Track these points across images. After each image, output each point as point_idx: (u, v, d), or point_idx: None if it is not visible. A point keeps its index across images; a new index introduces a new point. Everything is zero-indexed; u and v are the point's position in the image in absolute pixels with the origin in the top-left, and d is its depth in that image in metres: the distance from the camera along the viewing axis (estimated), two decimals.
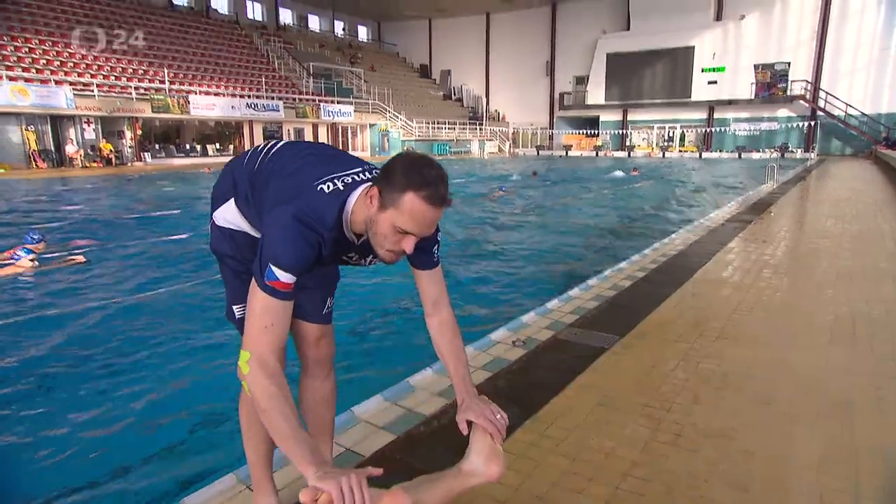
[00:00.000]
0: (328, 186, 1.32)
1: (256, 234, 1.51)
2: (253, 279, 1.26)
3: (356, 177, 1.37)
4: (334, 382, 1.77)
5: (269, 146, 1.52)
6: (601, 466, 1.91)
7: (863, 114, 29.35)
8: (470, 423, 1.41)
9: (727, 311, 3.64)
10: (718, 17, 32.60)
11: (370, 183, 1.33)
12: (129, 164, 22.26)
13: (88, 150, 21.48)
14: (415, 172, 1.21)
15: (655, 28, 33.75)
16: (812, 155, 28.22)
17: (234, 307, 1.56)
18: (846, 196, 10.70)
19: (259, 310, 1.24)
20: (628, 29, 35.33)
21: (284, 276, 1.23)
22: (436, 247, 1.51)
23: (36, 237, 6.07)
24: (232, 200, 1.51)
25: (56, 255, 6.32)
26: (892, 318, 3.45)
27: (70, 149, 20.82)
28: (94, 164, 20.96)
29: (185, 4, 33.06)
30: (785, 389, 2.52)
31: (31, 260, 5.62)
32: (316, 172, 1.36)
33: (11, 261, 5.61)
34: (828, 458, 1.96)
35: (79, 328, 4.08)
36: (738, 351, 2.97)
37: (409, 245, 1.28)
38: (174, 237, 7.65)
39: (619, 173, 19.44)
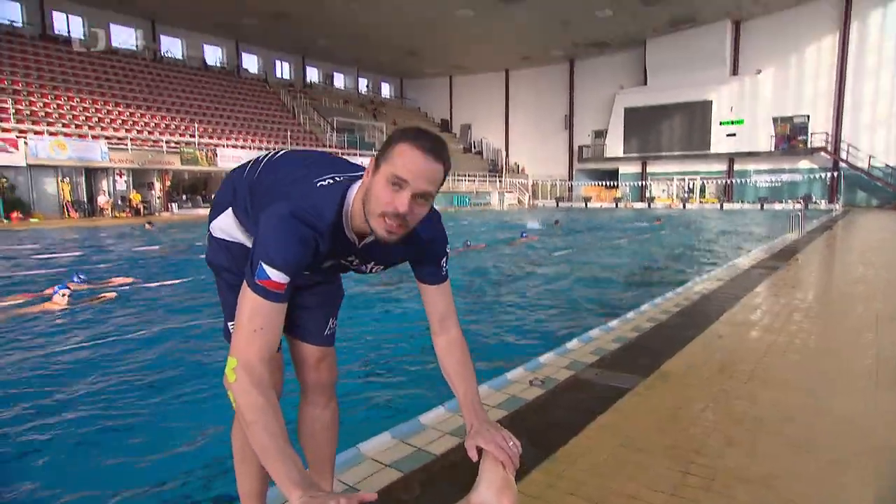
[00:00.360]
0: (327, 181, 1.25)
1: (251, 246, 1.44)
2: (244, 282, 1.18)
3: (356, 173, 1.31)
4: (336, 410, 1.66)
5: (270, 155, 1.47)
6: None
7: (887, 165, 29.03)
8: (480, 450, 1.28)
9: (757, 354, 3.44)
10: (735, 72, 33.05)
11: None
12: (157, 214, 22.85)
13: (118, 201, 22.18)
14: (409, 131, 1.17)
15: (672, 83, 34.30)
16: (837, 206, 27.78)
17: (230, 324, 1.47)
18: (876, 245, 10.40)
19: (248, 312, 1.14)
20: (645, 84, 35.98)
21: (277, 276, 1.13)
22: (444, 259, 1.42)
23: (82, 277, 6.68)
24: (230, 209, 1.45)
25: (92, 290, 6.55)
26: None
27: (101, 199, 21.52)
28: (123, 214, 21.58)
29: (218, 65, 34.77)
30: (827, 434, 2.32)
31: (64, 296, 5.80)
32: (317, 173, 1.30)
33: (47, 297, 5.95)
34: None
35: (102, 359, 4.07)
36: (771, 394, 2.77)
37: (402, 200, 1.14)
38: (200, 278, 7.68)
39: (643, 223, 19.47)
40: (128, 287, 7.04)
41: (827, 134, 30.60)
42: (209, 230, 1.50)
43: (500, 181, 39.52)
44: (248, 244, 1.45)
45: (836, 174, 30.15)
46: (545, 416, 2.50)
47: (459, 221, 21.15)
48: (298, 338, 1.57)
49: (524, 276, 8.38)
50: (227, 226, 1.46)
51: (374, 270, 1.42)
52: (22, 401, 3.37)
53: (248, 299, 1.15)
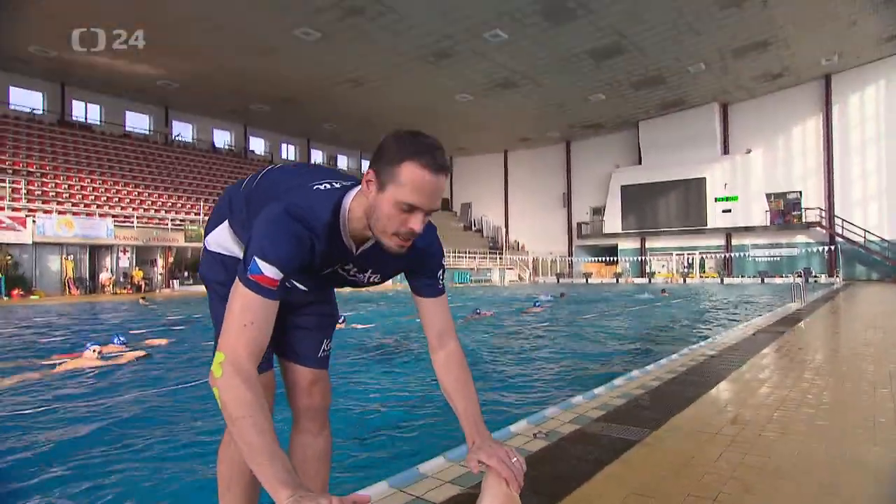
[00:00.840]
0: (324, 186, 1.25)
1: None
2: (236, 278, 1.15)
3: (353, 181, 1.31)
4: (329, 439, 1.58)
5: (266, 168, 1.48)
6: None
7: (882, 239, 29.34)
8: (482, 469, 1.20)
9: (770, 408, 3.31)
10: (726, 151, 34.19)
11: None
12: (158, 291, 22.86)
13: (120, 278, 22.26)
14: (408, 142, 1.13)
15: (666, 161, 35.41)
16: (837, 279, 27.79)
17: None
18: (880, 312, 10.29)
19: (239, 307, 1.10)
20: (640, 162, 37.12)
21: (269, 271, 1.11)
22: (441, 272, 1.40)
23: (122, 339, 7.15)
24: (226, 223, 1.45)
25: (124, 350, 6.79)
26: None
27: (103, 276, 21.62)
28: (124, 291, 21.58)
29: (226, 147, 36.10)
30: (854, 480, 2.18)
31: (94, 351, 6.08)
32: (313, 178, 1.30)
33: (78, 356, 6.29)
34: None
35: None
36: (788, 444, 2.64)
37: (417, 223, 1.15)
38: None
39: (648, 295, 19.70)
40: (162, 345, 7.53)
41: (820, 209, 31.18)
42: (204, 244, 1.50)
43: (500, 258, 39.84)
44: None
45: (833, 248, 30.42)
46: (549, 466, 2.37)
47: (468, 296, 21.10)
48: (291, 360, 1.52)
49: (535, 340, 8.24)
50: (222, 239, 1.45)
51: (371, 280, 1.39)
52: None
53: (240, 294, 1.12)
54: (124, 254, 22.72)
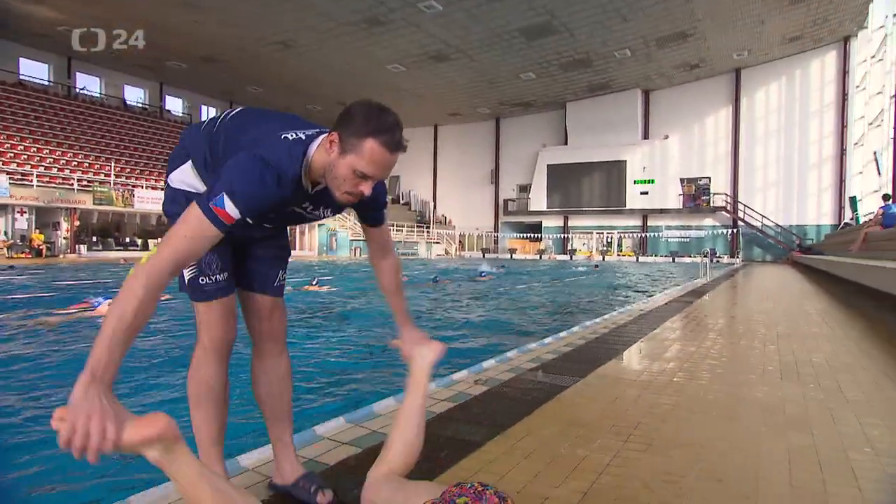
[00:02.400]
0: (291, 135, 1.35)
1: None
2: (193, 201, 1.23)
3: (317, 131, 1.41)
4: (289, 362, 1.72)
5: (226, 112, 1.54)
6: (575, 468, 1.85)
7: (777, 224, 32.21)
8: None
9: (680, 360, 3.72)
10: (646, 136, 36.00)
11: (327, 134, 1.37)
12: (62, 256, 21.25)
13: (18, 241, 20.49)
14: (374, 118, 1.28)
15: (590, 143, 36.80)
16: (737, 260, 30.34)
17: (185, 271, 1.51)
18: (772, 287, 11.45)
19: (188, 223, 1.19)
20: (566, 143, 38.34)
21: (231, 210, 1.20)
22: (384, 209, 1.61)
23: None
24: (188, 163, 1.50)
25: None
26: (832, 365, 3.62)
27: None
28: (22, 255, 19.88)
29: (139, 105, 33.69)
30: (748, 411, 2.56)
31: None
32: (281, 127, 1.39)
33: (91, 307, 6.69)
34: (795, 456, 1.97)
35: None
36: (696, 385, 3.01)
37: (367, 188, 1.32)
38: None
39: (582, 268, 22.51)
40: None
41: (726, 195, 33.68)
42: (167, 182, 1.55)
43: (427, 232, 40.10)
44: None
45: (735, 231, 33.06)
46: (492, 405, 2.59)
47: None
48: (251, 289, 1.63)
49: (473, 307, 8.53)
50: (186, 177, 1.51)
51: (326, 215, 1.54)
52: None
53: (193, 214, 1.20)
54: (21, 214, 20.88)
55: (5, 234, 20.24)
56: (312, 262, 22.73)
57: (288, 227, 1.72)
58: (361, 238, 28.23)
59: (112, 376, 1.03)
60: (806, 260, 20.37)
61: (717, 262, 30.41)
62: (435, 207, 45.09)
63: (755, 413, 2.53)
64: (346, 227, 33.10)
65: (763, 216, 32.49)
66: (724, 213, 33.63)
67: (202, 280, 1.50)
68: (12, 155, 22.29)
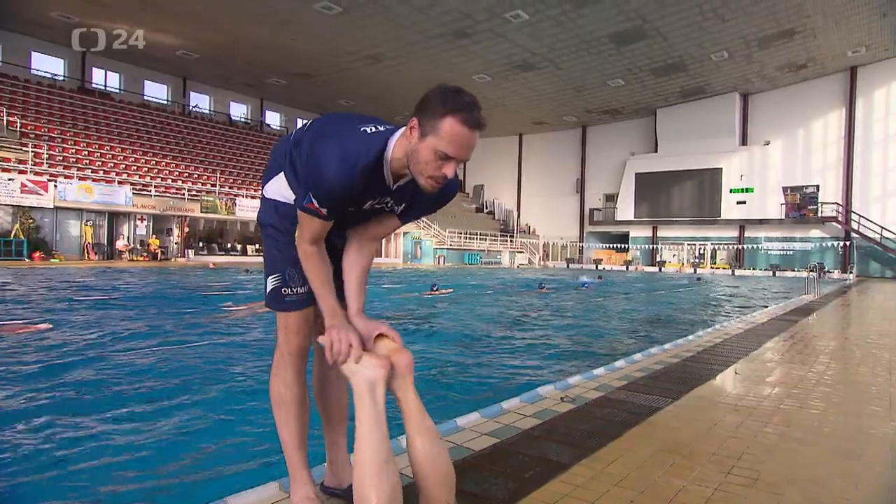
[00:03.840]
0: (371, 129, 1.39)
1: None
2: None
3: (395, 126, 1.45)
4: None
5: (312, 120, 1.58)
6: (672, 500, 1.73)
7: None
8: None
9: (788, 385, 3.42)
10: (744, 142, 33.78)
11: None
12: (174, 260, 23.17)
13: (137, 245, 22.59)
14: (450, 99, 1.28)
15: (682, 150, 35.06)
16: (850, 276, 27.62)
17: (269, 277, 1.59)
18: (893, 306, 10.31)
19: (304, 221, 1.42)
20: (656, 150, 36.78)
21: (318, 203, 1.36)
22: (438, 208, 1.61)
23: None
24: (282, 174, 1.57)
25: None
26: None
27: (120, 243, 21.93)
28: (141, 258, 21.90)
29: (243, 120, 36.18)
30: (873, 448, 2.30)
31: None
32: (360, 123, 1.43)
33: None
34: None
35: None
36: (809, 413, 2.75)
37: (450, 170, 1.33)
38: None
39: (683, 280, 21.81)
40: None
41: (837, 204, 30.84)
42: (263, 192, 1.64)
43: (511, 241, 39.86)
44: None
45: (848, 244, 30.16)
46: (581, 424, 2.50)
47: (492, 278, 21.22)
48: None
49: (564, 317, 8.39)
50: (280, 187, 1.58)
51: (406, 216, 1.57)
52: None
53: (301, 215, 1.43)
54: (142, 222, 23.01)
55: (127, 239, 22.38)
56: (397, 269, 23.25)
57: None
58: (445, 247, 28.56)
59: (340, 309, 1.50)
60: None
61: (828, 274, 27.90)
62: (519, 216, 44.76)
63: (881, 451, 2.27)
64: (430, 235, 33.61)
65: (883, 227, 29.38)
66: (834, 223, 30.79)
67: (284, 291, 1.56)
68: (136, 168, 24.68)
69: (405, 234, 32.79)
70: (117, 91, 29.88)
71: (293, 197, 1.56)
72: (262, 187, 1.64)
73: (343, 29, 24.15)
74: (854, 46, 26.78)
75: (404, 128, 1.39)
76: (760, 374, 3.76)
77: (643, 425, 2.50)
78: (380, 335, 1.49)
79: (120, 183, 22.34)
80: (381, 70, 29.44)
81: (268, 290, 1.59)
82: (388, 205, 1.52)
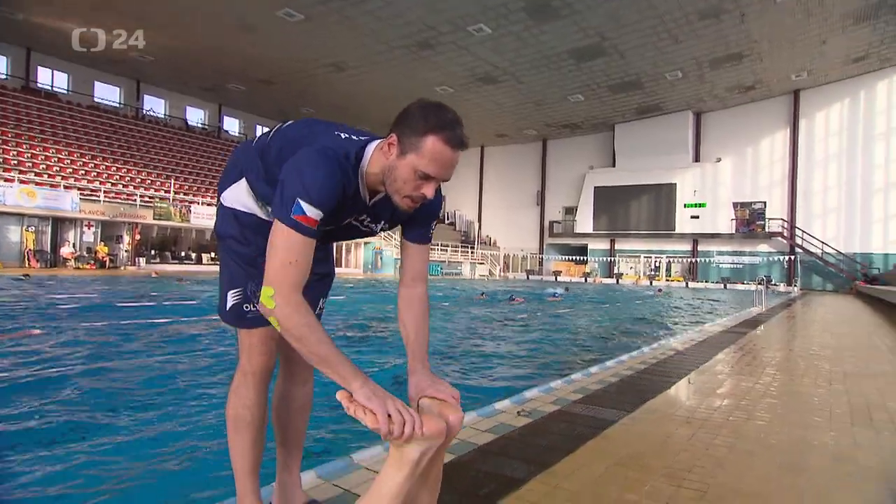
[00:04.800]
0: (345, 135, 1.33)
1: (264, 217, 1.47)
2: (275, 220, 1.21)
3: (371, 137, 1.38)
4: (312, 390, 1.70)
5: (279, 125, 1.50)
6: None
7: (839, 252, 30.57)
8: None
9: (737, 396, 3.51)
10: (697, 159, 35.05)
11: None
12: (123, 268, 22.28)
13: (84, 253, 21.62)
14: (433, 115, 1.22)
15: (639, 165, 36.11)
16: (795, 289, 28.87)
17: (229, 293, 1.49)
18: (835, 318, 10.81)
19: (282, 246, 1.18)
20: (614, 165, 37.75)
21: (311, 212, 1.18)
22: (434, 221, 1.50)
23: None
24: (243, 180, 1.48)
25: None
26: None
27: (65, 250, 20.95)
28: (87, 266, 20.95)
29: (200, 126, 35.29)
30: (816, 459, 2.37)
31: None
32: (336, 129, 1.37)
33: None
34: None
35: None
36: (756, 424, 2.82)
37: (430, 190, 1.26)
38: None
39: (648, 292, 23.02)
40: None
41: (783, 220, 32.29)
42: (220, 200, 1.53)
43: (471, 252, 40.07)
44: (259, 214, 1.48)
45: (792, 258, 31.58)
46: (536, 439, 2.48)
47: (455, 287, 21.17)
48: None
49: (517, 329, 8.41)
50: (239, 195, 1.49)
51: (382, 228, 1.50)
52: None
53: (282, 234, 1.19)
54: (89, 228, 22.04)
55: (73, 246, 21.39)
56: (358, 280, 23.02)
57: (334, 246, 1.70)
58: None
59: (363, 372, 1.16)
60: (872, 290, 19.19)
61: (774, 287, 29.07)
62: (480, 228, 45.10)
63: (824, 462, 2.34)
64: (391, 244, 33.45)
65: (823, 243, 30.92)
66: (780, 238, 32.23)
67: (246, 307, 1.48)
68: (84, 172, 23.68)
69: (365, 244, 32.51)
70: (65, 92, 28.69)
71: (255, 207, 1.48)
72: (219, 195, 1.54)
73: (305, 37, 23.94)
74: (797, 71, 28.25)
75: (380, 140, 1.32)
76: (711, 385, 3.85)
77: (598, 439, 2.51)
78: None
79: (66, 187, 21.37)
80: (343, 79, 29.28)
81: (228, 307, 1.49)
82: (365, 222, 1.44)
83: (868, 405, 3.41)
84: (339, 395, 1.13)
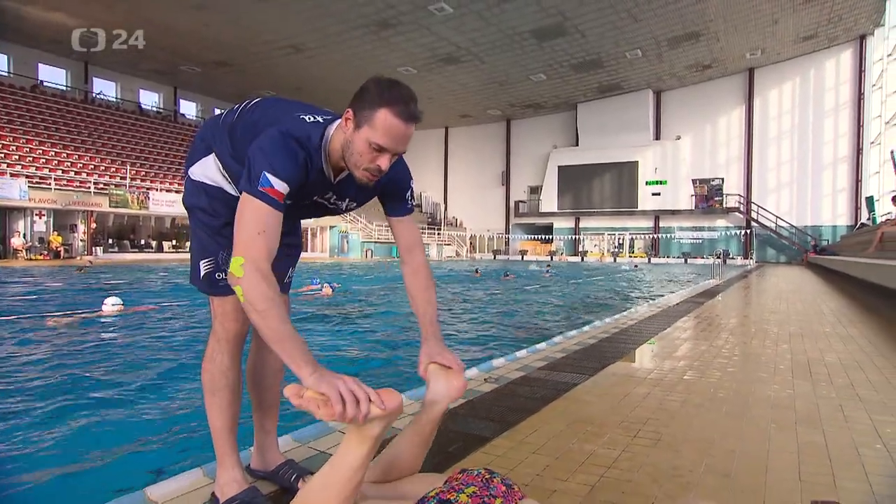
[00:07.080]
0: (309, 118, 1.37)
1: (233, 192, 1.52)
2: (242, 193, 1.26)
3: (333, 116, 1.43)
4: None
5: (245, 102, 1.54)
6: (583, 462, 1.86)
7: (791, 225, 31.84)
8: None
9: (690, 359, 3.71)
10: (657, 137, 35.77)
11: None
12: (79, 258, 21.55)
13: (36, 243, 20.83)
14: (386, 90, 1.27)
15: (602, 144, 36.65)
16: (750, 261, 30.01)
17: (201, 262, 1.54)
18: (786, 287, 11.34)
19: (250, 217, 1.22)
20: (577, 144, 38.21)
21: (278, 184, 1.23)
22: (409, 193, 1.58)
23: None
24: (212, 156, 1.52)
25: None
26: (844, 364, 3.59)
27: (16, 241, 20.15)
28: (40, 257, 20.22)
29: (154, 109, 34.09)
30: (758, 409, 2.55)
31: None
32: (300, 111, 1.41)
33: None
34: (805, 452, 1.97)
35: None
36: (707, 383, 3.01)
37: (384, 162, 1.30)
38: None
39: (625, 266, 24.63)
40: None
41: (739, 195, 33.37)
42: (187, 174, 1.57)
43: (438, 233, 40.15)
44: (228, 189, 1.53)
45: (748, 232, 32.74)
46: (502, 402, 2.60)
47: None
48: None
49: (491, 302, 8.55)
50: (206, 170, 1.53)
51: (349, 207, 1.55)
52: None
53: (250, 206, 1.23)
54: (40, 217, 21.21)
55: (24, 236, 20.57)
56: (325, 264, 22.87)
57: (301, 225, 1.75)
58: (373, 240, 28.32)
59: (315, 361, 1.13)
60: (821, 261, 20.14)
61: (732, 260, 30.16)
62: (446, 209, 45.15)
63: (765, 410, 2.53)
64: (357, 228, 33.22)
65: (777, 217, 32.14)
66: (737, 213, 33.34)
67: (218, 276, 1.52)
68: (31, 159, 22.68)
69: (331, 227, 32.23)
70: (5, 74, 27.24)
71: (223, 181, 1.52)
72: (187, 169, 1.58)
73: (261, 16, 23.29)
74: (751, 49, 29.00)
75: (341, 119, 1.37)
76: (668, 350, 4.05)
77: (560, 400, 2.65)
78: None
79: (13, 175, 20.46)
80: (302, 60, 28.68)
81: (201, 275, 1.54)
82: (331, 200, 1.49)
83: (808, 360, 3.66)
84: (287, 392, 1.10)
